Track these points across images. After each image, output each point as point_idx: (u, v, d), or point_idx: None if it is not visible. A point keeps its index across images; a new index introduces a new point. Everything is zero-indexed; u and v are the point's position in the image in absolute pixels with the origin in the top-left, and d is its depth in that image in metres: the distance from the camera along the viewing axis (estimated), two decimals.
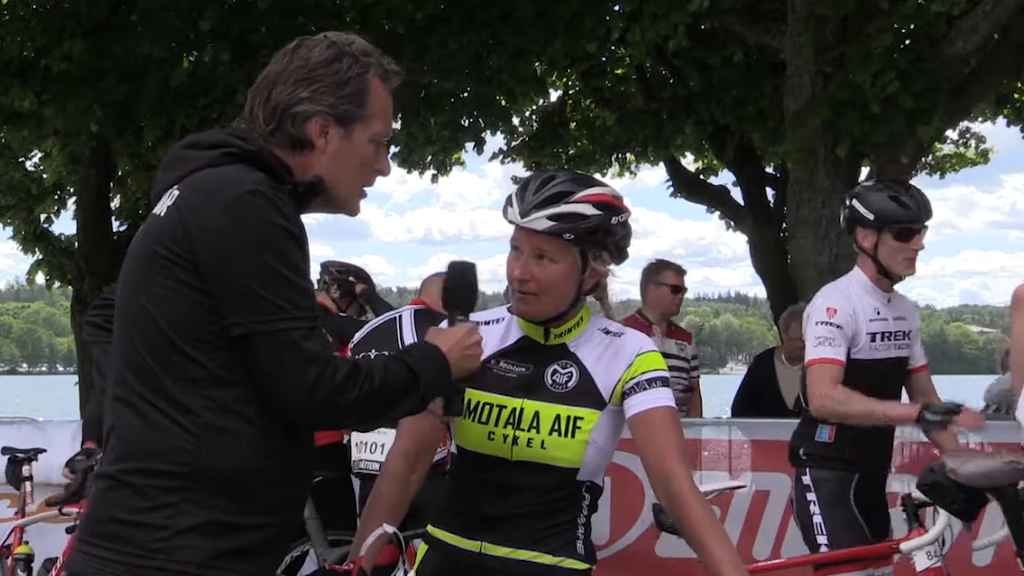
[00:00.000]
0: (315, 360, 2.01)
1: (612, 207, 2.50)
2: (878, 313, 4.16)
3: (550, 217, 2.44)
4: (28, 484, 5.34)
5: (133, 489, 2.02)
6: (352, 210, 2.29)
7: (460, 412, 2.43)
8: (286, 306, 2.00)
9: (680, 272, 6.59)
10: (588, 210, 2.46)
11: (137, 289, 2.09)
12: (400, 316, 5.10)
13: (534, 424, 2.49)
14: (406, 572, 2.55)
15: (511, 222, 2.51)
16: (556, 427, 2.48)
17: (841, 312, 4.09)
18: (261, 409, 2.04)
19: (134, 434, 2.05)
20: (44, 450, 5.58)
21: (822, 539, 4.16)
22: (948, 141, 16.70)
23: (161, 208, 2.11)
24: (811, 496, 4.21)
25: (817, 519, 4.19)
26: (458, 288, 2.44)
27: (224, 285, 2.00)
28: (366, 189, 2.30)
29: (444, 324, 2.41)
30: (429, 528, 2.62)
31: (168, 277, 2.03)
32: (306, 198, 2.17)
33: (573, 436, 2.48)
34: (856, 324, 4.11)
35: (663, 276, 6.49)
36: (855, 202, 4.20)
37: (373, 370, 2.08)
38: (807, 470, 4.25)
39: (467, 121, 13.82)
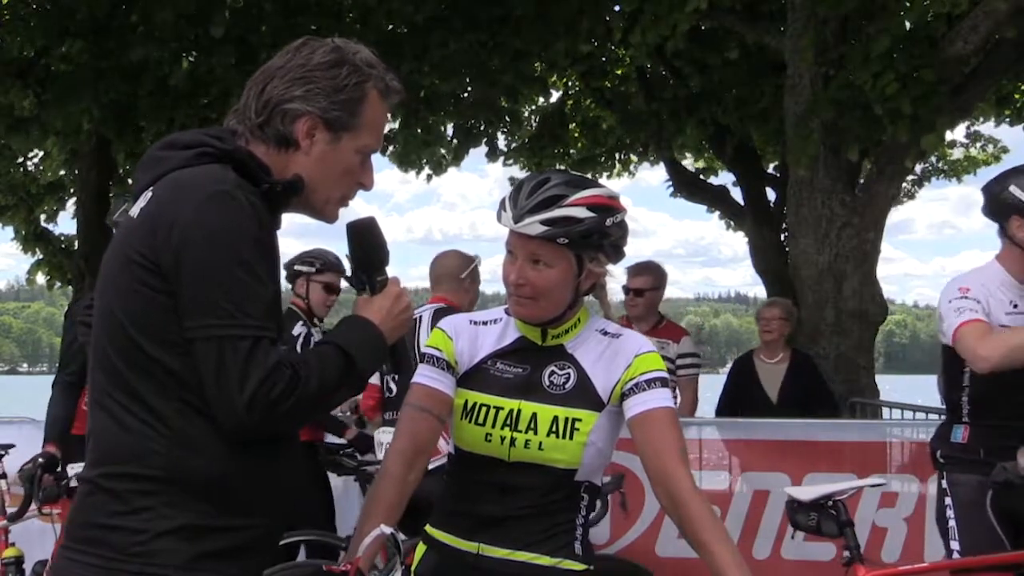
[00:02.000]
0: (255, 371, 1.94)
1: (607, 208, 2.48)
2: (1015, 307, 3.87)
3: (543, 222, 2.43)
4: (3, 482, 5.09)
5: (111, 494, 2.01)
6: (329, 217, 2.24)
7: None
8: (235, 312, 1.95)
9: (635, 274, 6.62)
10: (582, 213, 2.44)
11: (109, 292, 2.07)
12: (420, 316, 5.04)
13: (531, 426, 2.48)
14: (404, 573, 2.54)
15: (505, 227, 2.50)
16: (554, 429, 2.48)
17: (974, 291, 3.83)
18: None
19: (110, 438, 2.04)
20: (13, 445, 5.37)
21: (954, 544, 3.93)
22: (958, 145, 16.77)
23: (135, 210, 2.09)
24: (948, 500, 3.98)
25: (951, 523, 3.94)
26: (363, 247, 2.29)
27: (181, 287, 1.97)
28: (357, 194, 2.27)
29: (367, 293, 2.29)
30: (427, 528, 2.62)
31: (136, 280, 2.01)
32: (285, 197, 2.14)
33: (571, 438, 2.47)
34: (989, 309, 3.82)
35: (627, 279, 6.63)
36: (1014, 187, 3.83)
37: (311, 373, 2.01)
38: (944, 473, 4.01)
39: (475, 124, 13.81)
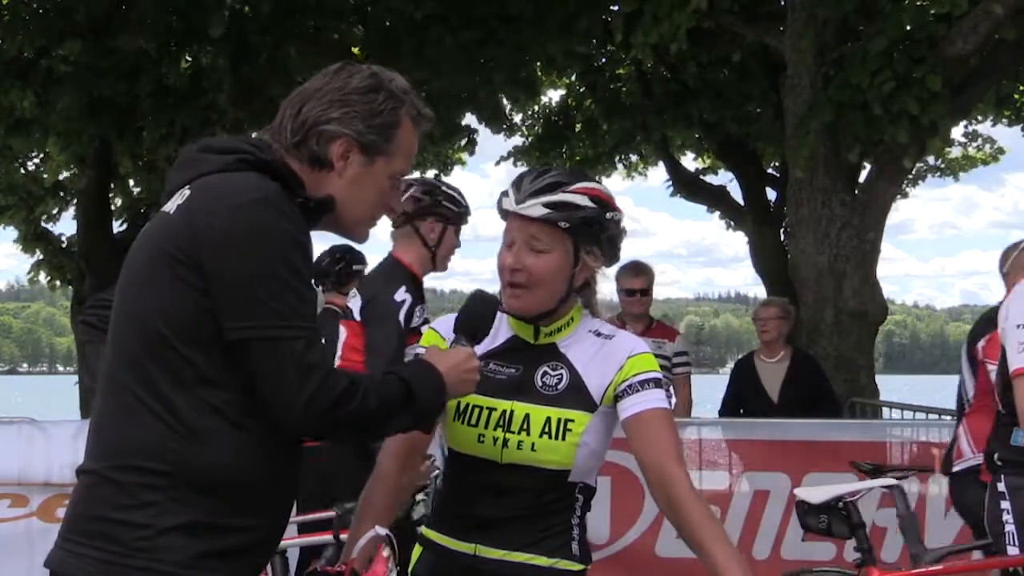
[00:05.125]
0: (314, 371, 1.99)
1: (607, 203, 2.51)
2: None
3: (546, 205, 2.45)
4: None
5: (117, 486, 2.01)
6: (361, 237, 2.32)
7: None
8: (288, 313, 1.99)
9: (634, 275, 6.68)
10: (583, 200, 2.47)
11: (138, 284, 2.09)
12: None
13: (524, 426, 2.48)
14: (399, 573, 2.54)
15: (506, 211, 2.52)
16: (547, 430, 2.47)
17: None
18: (250, 413, 2.03)
19: (120, 430, 2.04)
20: None
21: (1013, 551, 3.80)
22: (956, 144, 16.79)
23: (171, 206, 2.11)
24: (1004, 504, 3.84)
25: (1010, 528, 3.81)
26: (475, 318, 2.44)
27: (225, 287, 1.99)
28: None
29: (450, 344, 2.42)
30: (424, 530, 2.61)
31: (170, 275, 2.02)
32: (316, 214, 2.18)
33: (564, 439, 2.47)
34: None
35: (621, 280, 6.67)
36: None
37: (371, 388, 2.06)
38: (1002, 477, 3.87)
39: (463, 119, 13.81)
